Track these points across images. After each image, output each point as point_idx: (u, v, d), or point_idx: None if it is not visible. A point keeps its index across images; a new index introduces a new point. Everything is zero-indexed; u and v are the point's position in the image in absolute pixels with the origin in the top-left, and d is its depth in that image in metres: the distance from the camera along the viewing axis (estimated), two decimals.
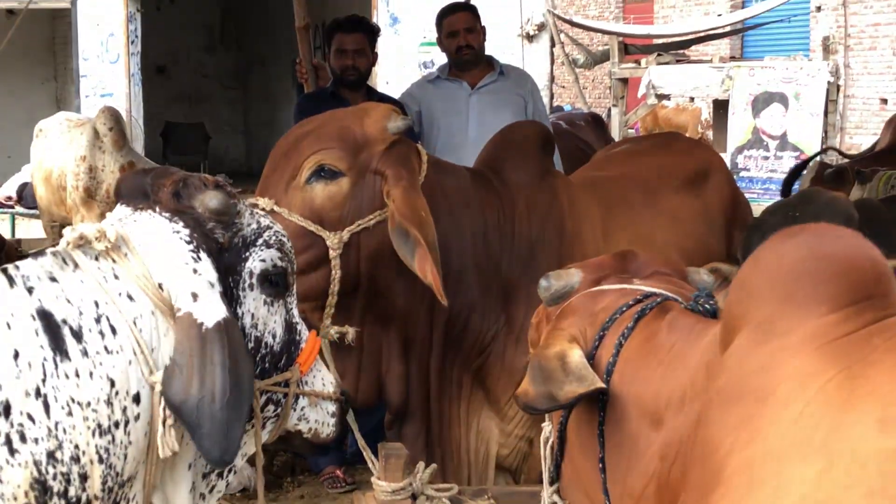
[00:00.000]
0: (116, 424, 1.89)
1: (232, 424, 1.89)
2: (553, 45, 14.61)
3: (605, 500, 1.98)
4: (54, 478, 1.82)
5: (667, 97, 15.28)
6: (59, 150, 7.52)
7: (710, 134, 16.27)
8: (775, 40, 17.57)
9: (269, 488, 4.79)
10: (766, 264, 1.71)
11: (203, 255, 2.01)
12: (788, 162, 12.47)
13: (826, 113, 12.29)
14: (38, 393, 1.82)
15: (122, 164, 7.12)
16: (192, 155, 17.25)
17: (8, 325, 1.83)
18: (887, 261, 1.67)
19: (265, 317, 2.14)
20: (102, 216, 7.41)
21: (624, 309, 2.05)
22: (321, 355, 3.08)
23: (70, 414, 1.84)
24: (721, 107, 14.11)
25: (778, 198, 6.05)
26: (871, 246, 1.67)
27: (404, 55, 13.85)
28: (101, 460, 1.87)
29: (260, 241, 2.14)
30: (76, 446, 1.84)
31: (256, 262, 2.12)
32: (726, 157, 12.25)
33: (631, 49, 14.90)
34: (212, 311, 1.94)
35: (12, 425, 1.79)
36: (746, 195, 4.70)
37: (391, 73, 13.41)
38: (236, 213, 2.11)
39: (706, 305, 2.00)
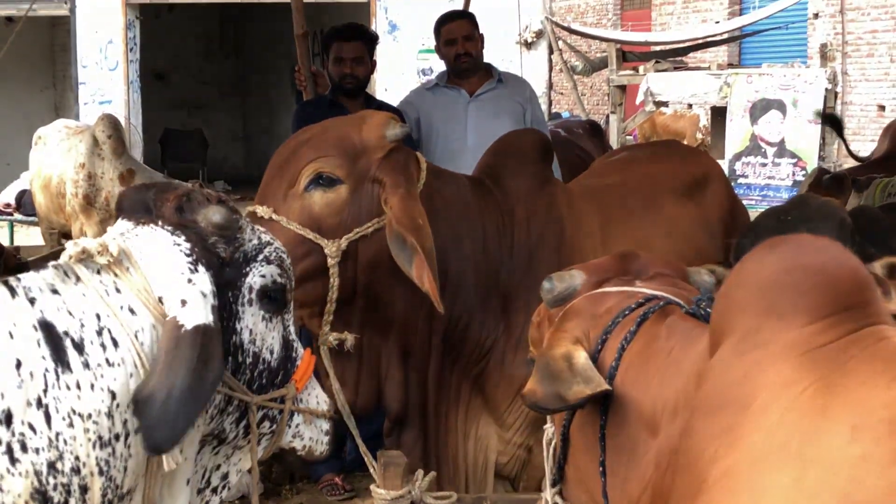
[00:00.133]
0: (117, 437, 1.90)
1: (180, 419, 1.88)
2: (551, 52, 14.65)
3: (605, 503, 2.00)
4: (55, 488, 1.83)
5: (665, 104, 15.29)
6: (58, 157, 7.52)
7: (709, 139, 16.30)
8: (773, 47, 17.60)
9: (267, 496, 4.79)
10: (749, 275, 1.75)
11: (201, 267, 2.02)
12: (786, 169, 12.49)
13: (824, 120, 12.30)
14: (39, 403, 1.82)
15: (121, 172, 7.11)
16: (190, 162, 17.26)
17: (10, 334, 1.84)
18: (887, 259, 1.69)
19: (263, 332, 2.16)
20: (101, 223, 7.38)
21: (627, 312, 2.06)
22: (320, 362, 3.10)
23: (71, 425, 1.85)
24: (719, 114, 14.12)
25: (775, 204, 6.05)
26: (851, 256, 1.71)
27: (403, 62, 13.87)
28: (101, 472, 1.88)
29: (261, 256, 2.16)
30: (77, 457, 1.85)
31: (256, 277, 2.14)
32: (724, 164, 12.26)
33: (629, 56, 14.92)
34: (194, 316, 1.94)
35: (13, 434, 1.80)
36: (744, 202, 4.70)
37: (390, 80, 13.43)
38: (238, 228, 2.13)
39: (707, 309, 2.01)
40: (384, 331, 3.31)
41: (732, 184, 6.93)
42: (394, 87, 12.69)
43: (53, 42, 17.38)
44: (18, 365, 1.82)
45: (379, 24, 13.82)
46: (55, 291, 1.92)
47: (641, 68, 14.43)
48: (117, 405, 1.90)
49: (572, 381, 1.96)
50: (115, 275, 1.98)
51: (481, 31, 5.12)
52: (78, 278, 1.96)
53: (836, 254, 1.70)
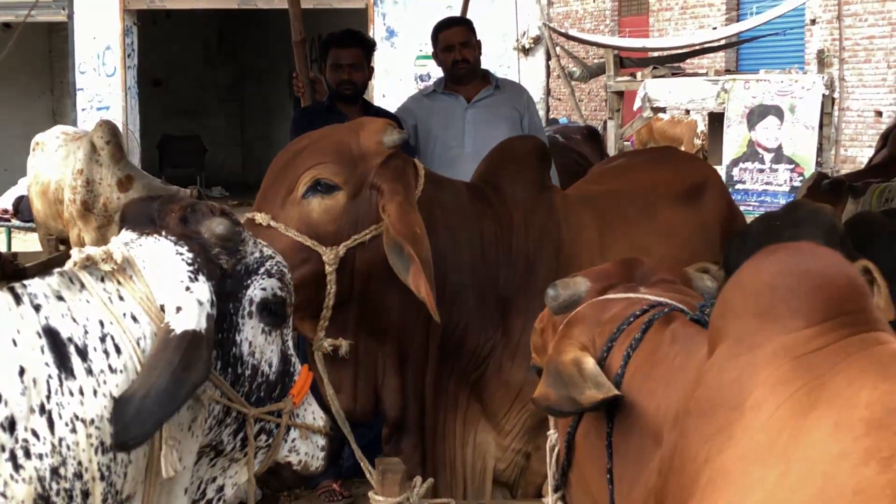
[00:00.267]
0: None
1: (151, 417, 1.88)
2: (549, 58, 14.66)
3: None
4: (57, 494, 1.84)
5: (662, 110, 15.31)
6: (56, 163, 7.51)
7: (706, 145, 16.31)
8: (770, 53, 17.64)
9: (266, 503, 4.79)
10: (746, 280, 1.76)
11: (201, 276, 2.03)
12: (783, 175, 12.50)
13: (821, 125, 12.32)
14: (42, 409, 1.84)
15: (119, 178, 7.10)
16: (188, 168, 17.27)
17: (14, 341, 1.85)
18: (861, 262, 1.71)
19: (262, 345, 2.17)
20: (99, 229, 7.37)
21: (631, 319, 2.07)
22: (314, 368, 3.10)
23: (74, 431, 1.86)
24: (716, 120, 14.14)
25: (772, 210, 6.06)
26: (847, 263, 1.72)
27: (401, 69, 13.88)
28: (102, 478, 1.89)
29: (262, 269, 2.17)
30: (79, 463, 1.86)
31: (257, 290, 2.15)
32: (721, 170, 12.26)
33: (626, 62, 14.94)
34: (185, 322, 1.95)
35: (17, 441, 1.81)
36: (742, 208, 4.71)
37: (388, 86, 13.44)
38: (241, 240, 2.15)
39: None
40: (381, 337, 3.31)
41: (730, 190, 6.95)
42: (392, 93, 12.71)
43: (51, 48, 17.39)
44: (22, 372, 1.83)
45: (377, 31, 13.83)
46: (60, 298, 1.94)
47: (639, 74, 14.46)
48: None
49: (584, 386, 1.97)
50: (119, 282, 2.00)
51: (479, 38, 5.13)
52: (82, 285, 1.97)
53: (833, 260, 1.71)
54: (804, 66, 16.37)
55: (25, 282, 1.95)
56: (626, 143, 14.94)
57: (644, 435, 1.93)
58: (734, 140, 13.00)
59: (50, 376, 1.85)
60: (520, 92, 5.27)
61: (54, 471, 1.83)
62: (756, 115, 12.74)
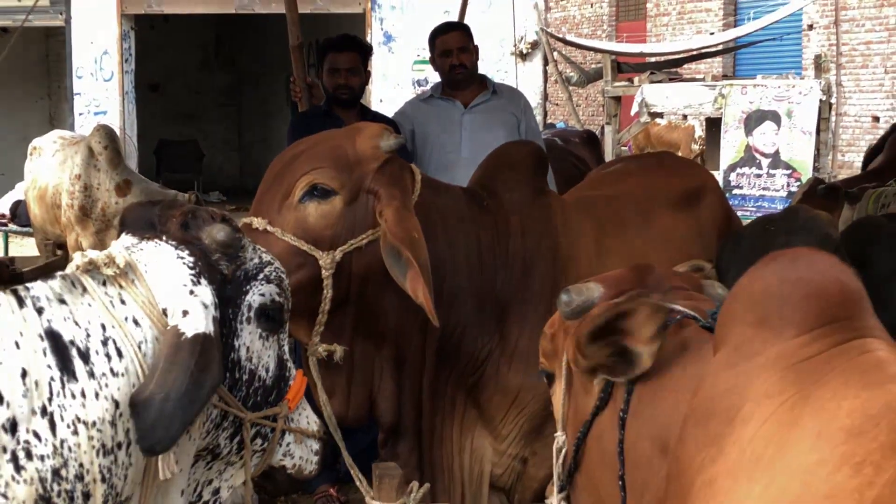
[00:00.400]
0: (119, 445, 1.93)
1: (175, 420, 1.90)
2: (546, 63, 14.68)
3: None
4: (58, 495, 1.85)
5: (660, 115, 15.32)
6: (53, 168, 7.51)
7: (704, 150, 16.32)
8: (768, 58, 17.65)
9: None
10: (744, 289, 1.78)
11: (203, 280, 2.06)
12: (781, 180, 12.50)
13: (818, 131, 12.33)
14: (44, 411, 1.85)
15: (117, 183, 7.10)
16: (185, 172, 17.28)
17: (16, 344, 1.86)
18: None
19: (260, 350, 2.19)
20: (97, 234, 7.38)
21: None
22: (308, 372, 3.10)
23: (76, 433, 1.87)
24: (714, 125, 14.14)
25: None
26: (843, 269, 1.73)
27: (398, 73, 13.90)
28: (103, 479, 1.90)
29: (261, 275, 2.20)
30: (81, 465, 1.88)
31: (256, 295, 2.17)
32: (719, 175, 12.27)
33: (624, 67, 14.95)
34: (195, 325, 1.98)
35: (18, 442, 1.82)
36: (739, 213, 4.71)
37: (385, 91, 13.46)
38: (241, 246, 2.17)
39: None
40: (378, 342, 3.31)
41: (727, 195, 6.94)
42: (389, 98, 12.72)
43: (48, 53, 17.40)
44: (24, 374, 1.84)
45: (374, 35, 13.85)
46: (62, 301, 1.95)
47: (636, 79, 14.46)
48: (120, 414, 1.92)
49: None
50: (121, 286, 2.02)
51: (476, 43, 5.13)
52: (84, 289, 1.99)
53: (827, 267, 1.72)
54: (801, 72, 16.38)
55: (28, 284, 1.97)
56: (623, 148, 14.95)
57: (654, 445, 1.94)
58: (731, 145, 13.01)
59: (52, 378, 1.87)
60: (517, 97, 5.27)
61: (55, 472, 1.85)
62: (753, 120, 12.75)
